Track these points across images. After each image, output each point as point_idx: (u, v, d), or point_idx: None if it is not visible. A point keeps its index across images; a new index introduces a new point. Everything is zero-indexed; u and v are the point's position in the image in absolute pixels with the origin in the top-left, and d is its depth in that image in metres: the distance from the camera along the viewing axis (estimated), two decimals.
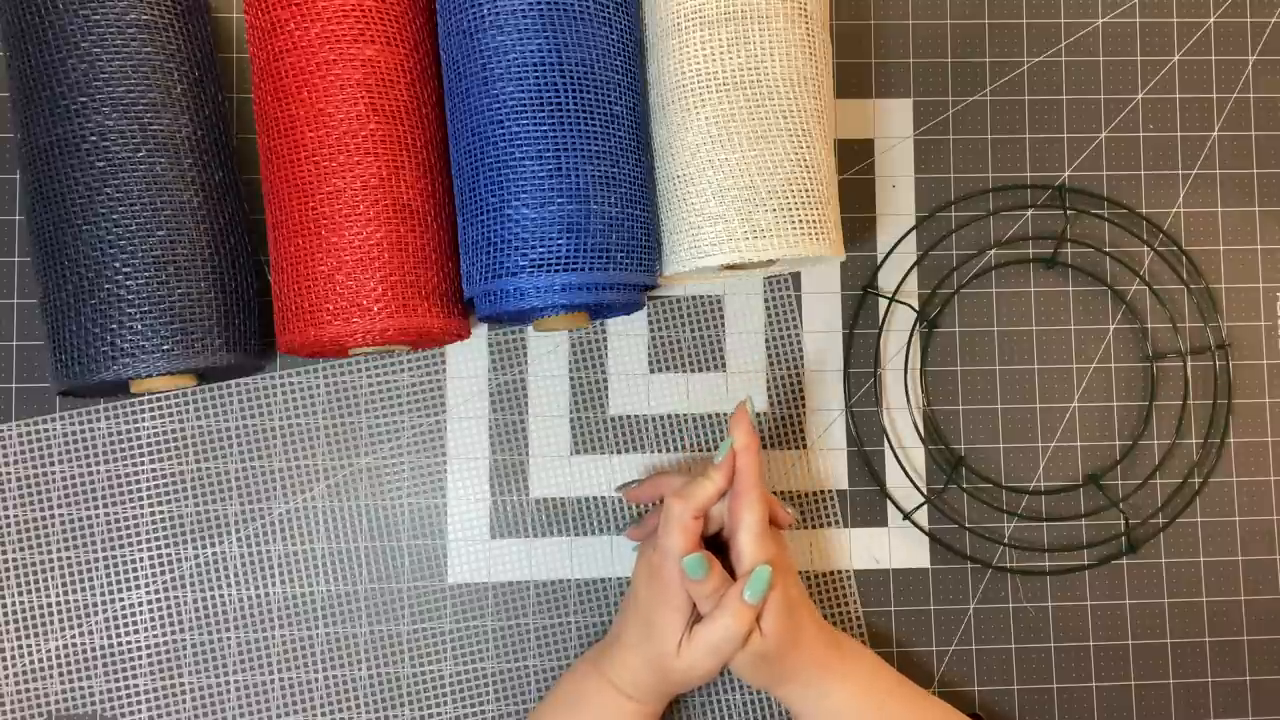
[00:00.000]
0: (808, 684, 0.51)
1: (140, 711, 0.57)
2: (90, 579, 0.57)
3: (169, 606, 0.57)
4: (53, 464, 0.57)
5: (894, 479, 0.60)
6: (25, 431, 0.57)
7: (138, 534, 0.57)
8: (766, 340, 0.60)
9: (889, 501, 0.60)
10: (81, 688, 0.56)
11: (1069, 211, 0.61)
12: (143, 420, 0.58)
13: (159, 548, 0.57)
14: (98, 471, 0.57)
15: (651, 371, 0.60)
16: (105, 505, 0.57)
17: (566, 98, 0.49)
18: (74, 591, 0.57)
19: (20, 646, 0.57)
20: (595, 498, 0.59)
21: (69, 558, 0.57)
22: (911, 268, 0.60)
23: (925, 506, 0.60)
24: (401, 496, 0.58)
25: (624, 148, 0.51)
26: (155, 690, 0.57)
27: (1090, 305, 0.61)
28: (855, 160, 0.61)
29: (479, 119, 0.50)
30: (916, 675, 0.59)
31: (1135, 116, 0.62)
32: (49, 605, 0.57)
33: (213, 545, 0.57)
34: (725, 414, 0.59)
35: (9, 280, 0.58)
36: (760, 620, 0.49)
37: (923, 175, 0.61)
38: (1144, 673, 0.60)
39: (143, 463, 0.57)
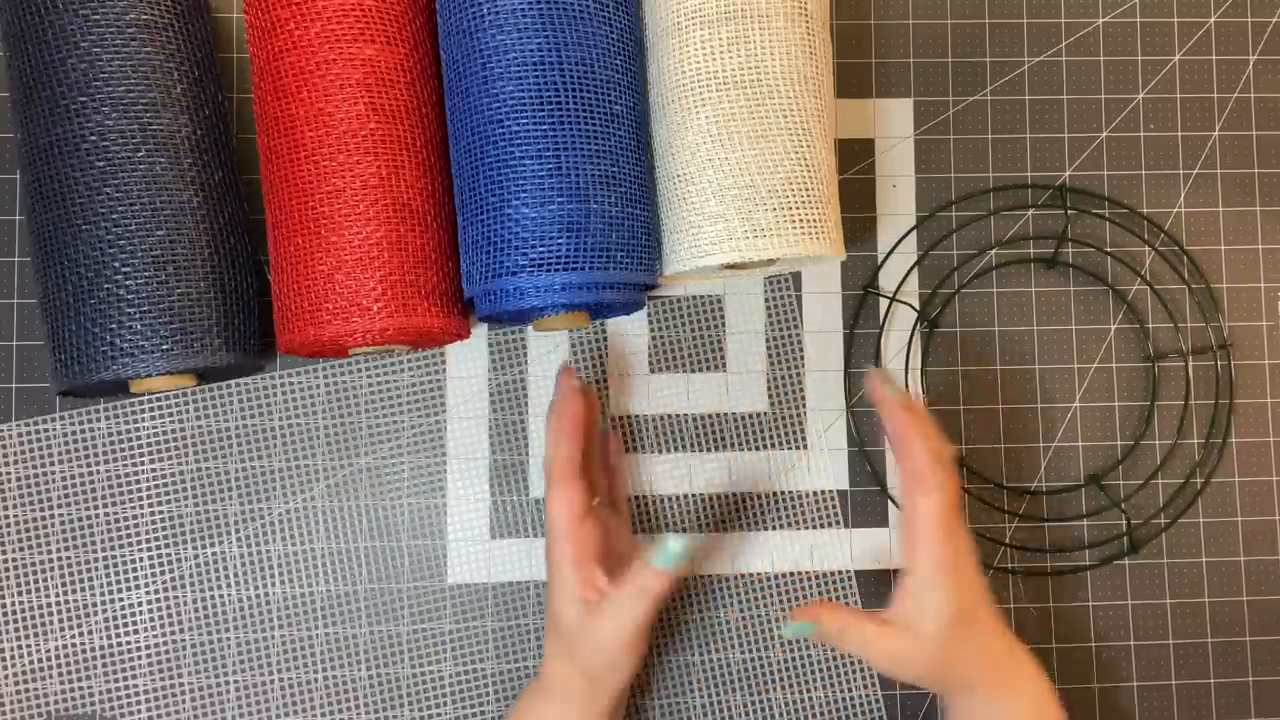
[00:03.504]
0: (974, 696, 0.48)
1: (140, 711, 0.56)
2: (90, 579, 0.57)
3: (169, 606, 0.57)
4: (53, 464, 0.57)
5: (895, 479, 0.60)
6: (25, 431, 0.57)
7: (138, 534, 0.57)
8: (766, 340, 0.60)
9: (890, 501, 0.60)
10: (81, 688, 0.56)
11: (1070, 211, 0.61)
12: (143, 420, 0.58)
13: (159, 548, 0.57)
14: (98, 471, 0.57)
15: (651, 371, 0.59)
16: (105, 505, 0.57)
17: (566, 97, 0.49)
18: (74, 591, 0.57)
19: (20, 646, 0.56)
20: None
21: (69, 558, 0.57)
22: (912, 268, 0.60)
23: None
24: (401, 496, 0.58)
25: (624, 147, 0.51)
26: (155, 690, 0.57)
27: (1091, 305, 0.61)
28: (855, 160, 0.61)
29: (479, 118, 0.50)
30: None
31: (1136, 116, 0.62)
32: (49, 605, 0.57)
33: (213, 545, 0.57)
34: (725, 414, 0.59)
35: (9, 280, 0.58)
36: (922, 623, 0.45)
37: (923, 175, 0.61)
38: (1146, 673, 0.59)
39: (143, 463, 0.57)
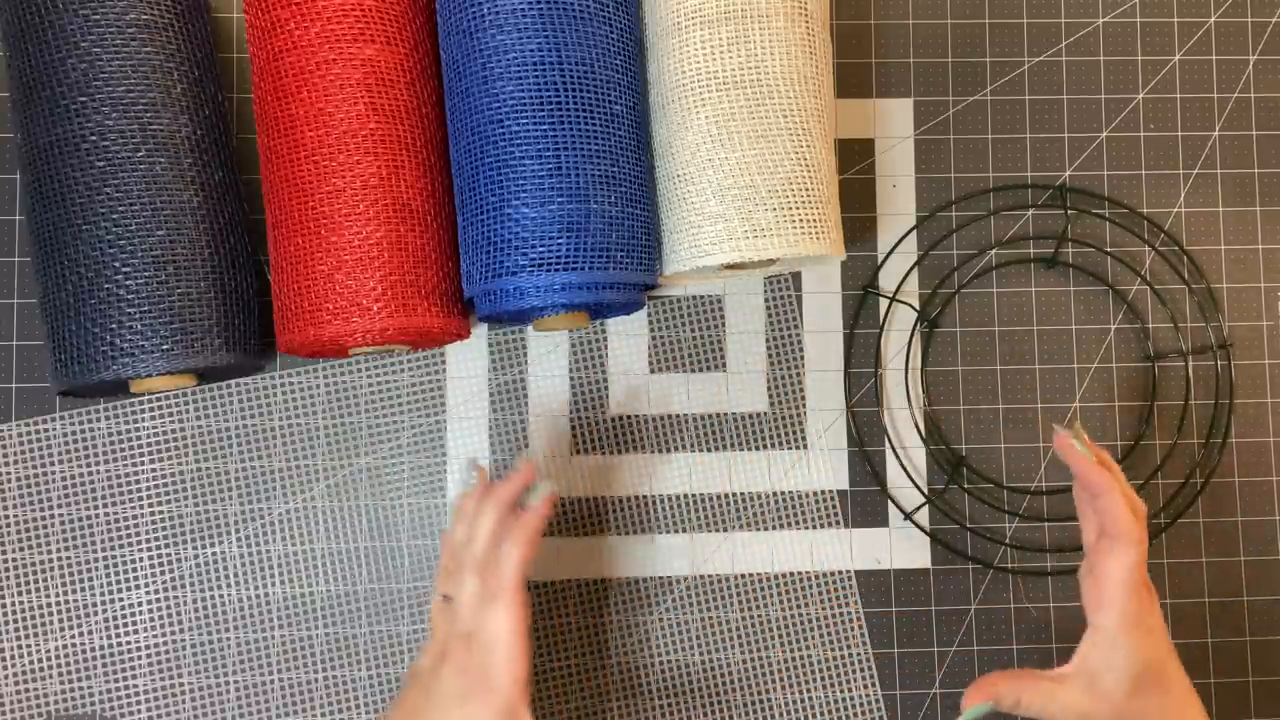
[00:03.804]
0: None
1: (140, 711, 0.56)
2: (90, 579, 0.57)
3: (169, 606, 0.57)
4: (53, 464, 0.57)
5: (895, 479, 0.60)
6: (25, 431, 0.57)
7: (138, 534, 0.57)
8: (766, 340, 0.60)
9: (890, 501, 0.60)
10: (81, 688, 0.56)
11: (1070, 211, 0.61)
12: (143, 420, 0.57)
13: (159, 548, 0.57)
14: (98, 471, 0.57)
15: (651, 371, 0.59)
16: (105, 505, 0.57)
17: (566, 97, 0.49)
18: (74, 591, 0.57)
19: (20, 646, 0.56)
20: (595, 498, 0.59)
21: (69, 558, 0.57)
22: (912, 268, 0.60)
23: (926, 507, 0.60)
24: (401, 496, 0.58)
25: (624, 147, 0.51)
26: (155, 690, 0.57)
27: (1091, 305, 0.61)
28: (855, 160, 0.61)
29: (479, 118, 0.50)
30: (917, 676, 0.58)
31: (1136, 116, 0.62)
32: (49, 605, 0.57)
33: (213, 545, 0.57)
34: (725, 414, 0.59)
35: (9, 280, 0.58)
36: (1107, 678, 0.43)
37: (923, 175, 0.61)
38: None
39: (143, 463, 0.57)
